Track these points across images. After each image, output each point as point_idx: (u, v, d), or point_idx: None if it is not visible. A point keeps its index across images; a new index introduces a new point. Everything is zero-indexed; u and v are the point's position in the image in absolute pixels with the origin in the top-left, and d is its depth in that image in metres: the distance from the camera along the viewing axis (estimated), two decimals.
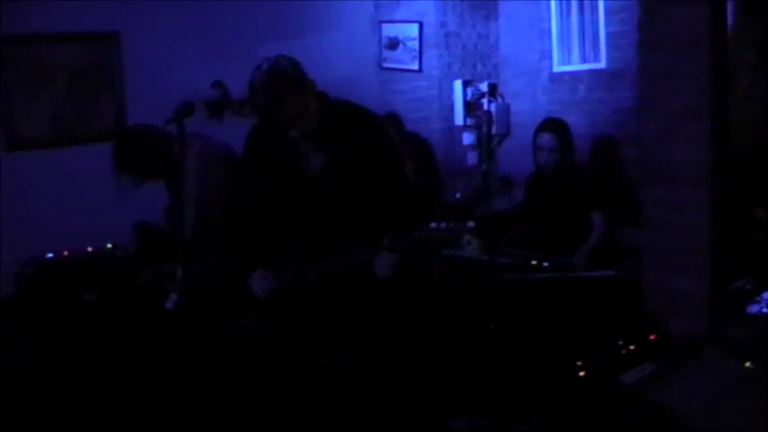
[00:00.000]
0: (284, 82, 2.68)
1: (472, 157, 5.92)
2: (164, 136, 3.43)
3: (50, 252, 4.50)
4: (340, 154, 2.82)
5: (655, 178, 3.58)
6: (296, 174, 2.86)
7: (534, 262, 4.12)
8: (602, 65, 5.31)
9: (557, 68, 5.66)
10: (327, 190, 2.84)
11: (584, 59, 5.48)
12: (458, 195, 5.48)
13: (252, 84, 2.71)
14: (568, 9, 5.54)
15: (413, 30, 5.98)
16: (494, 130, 5.84)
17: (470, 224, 2.61)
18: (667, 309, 3.55)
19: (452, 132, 5.95)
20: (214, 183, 3.43)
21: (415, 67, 6.01)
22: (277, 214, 2.93)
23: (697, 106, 3.38)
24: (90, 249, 4.54)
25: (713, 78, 3.34)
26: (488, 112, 5.71)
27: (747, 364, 3.12)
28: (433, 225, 2.61)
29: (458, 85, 5.84)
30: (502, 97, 5.99)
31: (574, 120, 5.01)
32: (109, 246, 4.59)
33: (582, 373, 3.30)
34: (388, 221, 2.78)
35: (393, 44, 6.12)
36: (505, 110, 5.94)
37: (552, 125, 4.54)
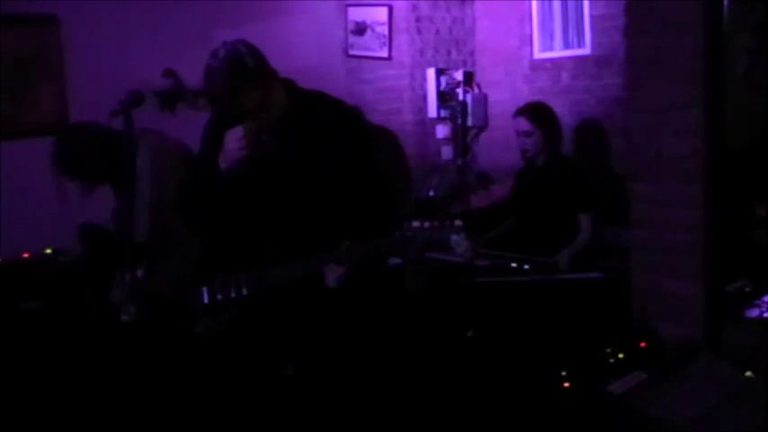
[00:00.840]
0: (243, 72, 2.64)
1: (447, 152, 5.93)
2: (109, 133, 3.37)
3: None
4: (309, 149, 2.79)
5: (643, 173, 3.58)
6: (265, 159, 2.83)
7: (514, 264, 4.11)
8: (586, 51, 5.34)
9: (538, 55, 5.68)
10: (294, 189, 2.82)
11: (567, 45, 5.51)
12: (431, 193, 5.48)
13: (207, 73, 2.67)
14: None
15: (381, 13, 5.97)
16: (470, 122, 5.85)
17: (458, 223, 2.59)
18: (658, 313, 3.55)
19: (425, 125, 5.96)
20: (168, 182, 3.39)
21: (385, 54, 6.00)
22: (239, 209, 2.90)
23: (689, 95, 3.39)
24: (27, 255, 4.46)
25: (706, 64, 3.34)
26: (464, 103, 5.72)
27: (747, 373, 3.13)
28: (416, 224, 2.59)
29: (431, 73, 5.84)
30: (478, 87, 6.00)
31: (557, 110, 5.01)
32: (48, 251, 4.51)
33: (566, 384, 3.30)
34: (358, 223, 2.77)
35: (360, 29, 6.10)
36: (482, 100, 5.94)
37: (528, 109, 4.54)
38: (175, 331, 3.06)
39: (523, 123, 4.47)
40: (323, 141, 2.79)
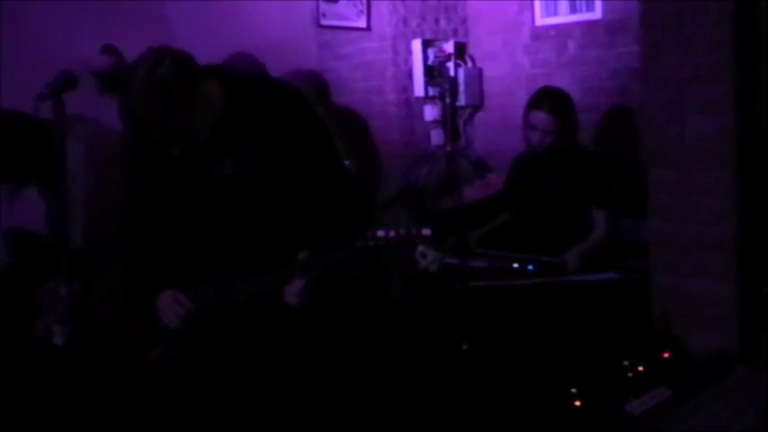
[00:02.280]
0: (167, 95, 2.57)
1: (437, 136, 5.93)
2: (33, 122, 3.29)
3: None
4: (256, 150, 2.77)
5: (663, 156, 3.55)
6: (201, 181, 2.80)
7: (516, 265, 4.08)
8: (596, 15, 5.34)
9: (540, 21, 5.69)
10: (243, 196, 2.79)
11: (574, 9, 5.51)
12: (419, 184, 5.46)
13: (123, 90, 2.62)
14: None
15: None
16: (462, 102, 5.84)
17: (426, 232, 2.59)
18: (684, 319, 3.53)
19: (411, 106, 5.95)
20: (106, 179, 3.35)
21: (363, 24, 5.98)
22: (181, 226, 2.88)
23: (716, 65, 3.36)
24: None
25: (735, 29, 3.31)
26: (455, 79, 5.69)
27: None
28: (381, 233, 2.58)
29: (416, 45, 5.83)
30: (472, 60, 5.99)
31: (563, 85, 4.98)
32: None
33: (578, 403, 3.26)
34: (319, 229, 2.78)
35: None
36: (477, 76, 5.95)
37: (550, 102, 4.42)
38: (121, 358, 3.03)
39: (544, 119, 4.37)
40: (267, 141, 2.76)
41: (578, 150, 4.54)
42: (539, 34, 5.64)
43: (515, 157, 4.78)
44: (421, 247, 2.66)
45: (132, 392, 3.04)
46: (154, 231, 2.94)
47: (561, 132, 4.39)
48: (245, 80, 2.86)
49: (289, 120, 2.80)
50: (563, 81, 5.28)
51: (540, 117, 4.38)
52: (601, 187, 4.40)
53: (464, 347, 3.70)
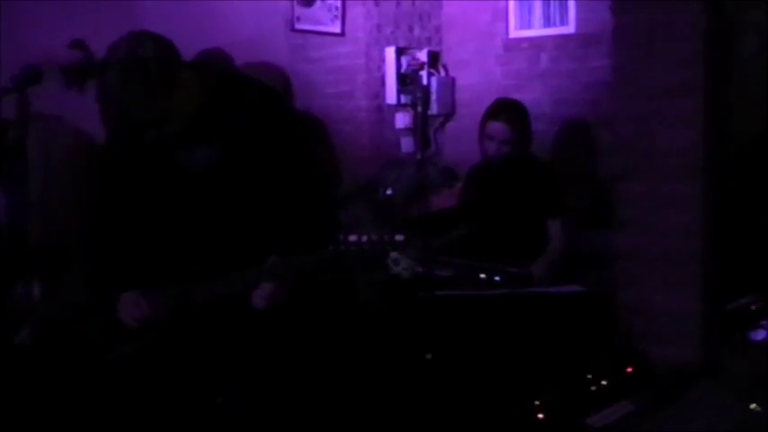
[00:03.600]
0: (145, 79, 2.54)
1: (407, 144, 5.90)
2: None
3: None
4: (230, 147, 2.73)
5: (632, 169, 3.56)
6: (170, 175, 2.76)
7: (483, 275, 4.07)
8: (570, 29, 5.33)
9: (514, 33, 5.67)
10: (214, 191, 2.75)
11: (548, 22, 5.49)
12: (388, 192, 5.44)
13: (101, 75, 2.58)
14: None
15: None
16: (434, 110, 5.83)
17: (398, 237, 2.58)
18: (648, 333, 3.54)
19: (382, 112, 5.91)
20: (65, 179, 3.31)
21: (337, 29, 5.93)
22: (150, 222, 2.84)
23: (686, 79, 3.37)
24: None
25: (707, 44, 3.32)
26: (427, 88, 5.68)
27: (753, 405, 3.09)
28: (353, 238, 2.56)
29: (390, 52, 5.80)
30: (445, 69, 5.98)
31: (534, 97, 5.02)
32: None
33: (541, 416, 3.25)
34: (289, 234, 2.76)
35: None
36: (449, 84, 5.93)
37: (506, 112, 4.48)
38: (81, 359, 2.99)
39: (500, 129, 4.41)
40: (242, 139, 2.73)
41: (530, 161, 4.57)
42: (512, 46, 5.64)
43: (470, 169, 4.80)
44: (394, 254, 2.66)
45: (91, 393, 3.01)
46: (119, 227, 2.90)
47: (517, 143, 4.42)
48: (225, 75, 2.84)
49: (266, 119, 2.78)
50: (535, 93, 5.29)
51: (497, 127, 4.40)
52: (553, 198, 4.43)
53: (428, 357, 3.69)
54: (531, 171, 4.51)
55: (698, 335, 3.42)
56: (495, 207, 4.50)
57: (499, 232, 4.44)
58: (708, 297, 3.42)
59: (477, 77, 5.83)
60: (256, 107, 2.79)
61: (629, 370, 3.45)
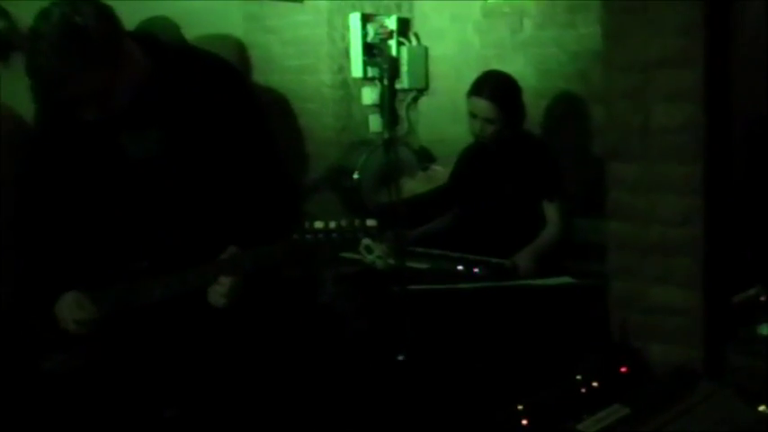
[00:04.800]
0: (84, 47, 2.49)
1: (377, 122, 5.91)
2: None
3: None
4: (181, 128, 2.71)
5: (624, 149, 3.56)
6: (114, 159, 2.74)
7: (461, 267, 4.09)
8: None
9: None
10: (163, 180, 2.74)
11: None
12: (356, 176, 5.45)
13: (31, 43, 2.53)
14: None
15: None
16: (404, 84, 5.82)
17: (371, 223, 2.57)
18: (644, 330, 3.55)
19: (348, 87, 5.94)
20: None
21: None
22: (90, 212, 2.82)
23: (684, 48, 3.37)
24: None
25: (707, 8, 3.32)
26: (396, 59, 5.68)
27: (761, 408, 3.11)
28: (320, 225, 2.56)
29: (354, 20, 5.80)
30: (417, 38, 5.97)
31: (517, 69, 5.02)
32: None
33: (525, 421, 3.24)
34: (249, 222, 2.76)
35: None
36: (421, 55, 5.94)
37: (491, 88, 4.48)
38: (13, 369, 2.96)
39: (483, 107, 4.42)
40: (194, 119, 2.71)
41: (525, 139, 4.58)
42: (491, 11, 5.64)
43: (462, 150, 4.80)
44: (366, 241, 2.66)
45: (25, 409, 3.00)
46: (54, 219, 2.86)
47: (504, 121, 4.43)
48: (172, 48, 2.82)
49: (220, 96, 2.76)
50: (517, 63, 5.31)
51: (479, 104, 4.42)
52: (550, 179, 4.44)
53: (400, 358, 3.69)
54: (525, 150, 4.53)
55: (699, 330, 3.43)
56: (481, 191, 4.52)
57: (489, 220, 4.47)
58: (710, 289, 3.43)
59: (452, 48, 5.85)
60: (209, 83, 2.77)
61: (624, 370, 3.45)
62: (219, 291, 2.71)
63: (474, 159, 4.66)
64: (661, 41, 3.42)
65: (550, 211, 4.40)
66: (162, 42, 2.78)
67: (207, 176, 2.74)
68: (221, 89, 2.77)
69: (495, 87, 4.47)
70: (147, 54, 2.69)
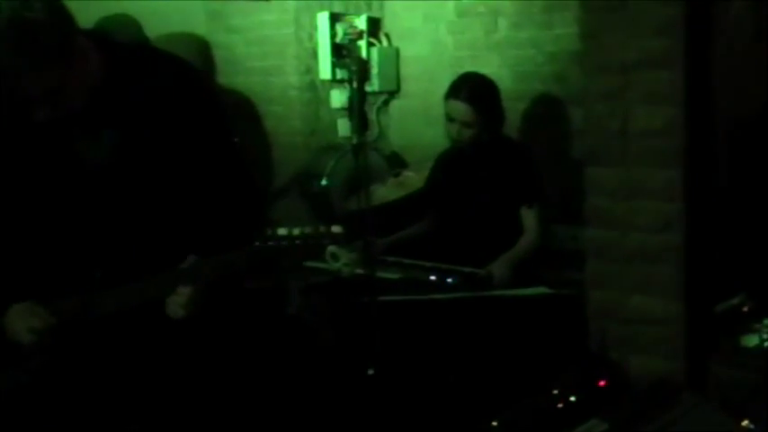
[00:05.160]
0: (35, 44, 2.46)
1: (346, 126, 5.89)
2: None
3: None
4: (139, 131, 2.69)
5: (602, 152, 3.57)
6: (67, 163, 2.72)
7: (434, 277, 4.08)
8: None
9: None
10: (119, 185, 2.72)
11: None
12: (324, 182, 5.44)
13: None
14: None
15: None
16: (375, 87, 5.82)
17: (336, 229, 2.56)
18: (624, 341, 3.55)
19: (316, 90, 5.92)
20: None
21: None
22: (40, 219, 2.78)
23: (664, 49, 3.38)
24: None
25: (687, 7, 3.33)
26: (365, 61, 5.69)
27: (744, 422, 3.13)
28: (283, 232, 2.55)
29: (323, 19, 5.80)
30: (388, 38, 5.97)
31: (492, 70, 5.03)
32: None
33: None
34: (210, 229, 2.73)
35: None
36: (392, 57, 5.93)
37: (469, 90, 4.47)
38: None
39: (461, 109, 4.42)
40: (151, 122, 2.69)
41: (504, 143, 4.58)
42: (465, 11, 5.65)
43: (439, 155, 4.79)
44: (332, 248, 2.65)
45: None
46: (1, 226, 2.84)
47: (482, 124, 4.43)
48: (128, 47, 2.79)
49: (178, 98, 2.74)
50: (492, 65, 5.32)
51: (457, 107, 4.42)
52: (530, 184, 4.44)
53: (370, 372, 3.68)
54: (505, 155, 4.52)
55: (681, 341, 3.44)
56: (459, 198, 4.52)
57: (464, 227, 4.47)
58: (691, 298, 3.44)
59: (425, 48, 5.85)
60: (167, 85, 2.74)
61: (603, 383, 3.46)
62: (178, 302, 2.68)
63: (451, 165, 4.66)
64: (640, 41, 3.43)
65: (529, 218, 4.39)
66: (117, 42, 2.75)
67: (165, 182, 2.72)
68: (180, 91, 2.74)
69: (473, 90, 4.47)
70: (102, 53, 2.66)
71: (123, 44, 2.76)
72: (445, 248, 4.41)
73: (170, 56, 2.84)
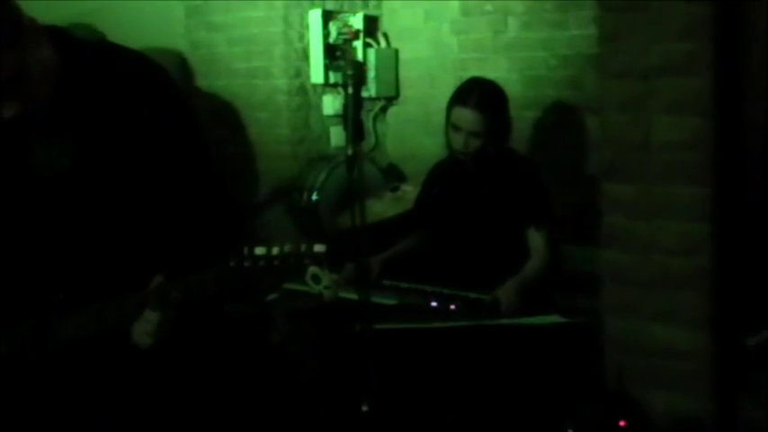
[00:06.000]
0: None
1: (339, 135, 5.90)
2: None
3: None
4: (100, 137, 2.68)
5: (622, 167, 3.58)
6: (22, 172, 2.70)
7: (435, 303, 4.08)
8: None
9: None
10: (80, 197, 2.70)
11: None
12: (314, 197, 5.44)
13: None
14: None
15: None
16: (371, 92, 5.83)
17: (318, 248, 2.55)
18: (645, 376, 3.55)
19: (307, 95, 5.92)
20: None
21: None
22: None
23: (690, 53, 3.39)
24: None
25: (715, 6, 3.35)
26: (361, 63, 5.68)
27: None
28: (260, 251, 2.53)
29: (314, 17, 5.81)
30: (386, 39, 5.98)
31: (500, 75, 5.03)
32: None
33: None
34: (181, 247, 2.71)
35: None
36: (391, 59, 5.93)
37: (478, 96, 4.46)
38: None
39: (469, 118, 4.40)
40: (115, 127, 2.67)
41: (510, 157, 4.57)
42: (471, 8, 5.66)
43: (433, 166, 4.79)
44: (313, 269, 2.63)
45: None
46: None
47: (490, 135, 4.41)
48: (89, 45, 2.77)
49: (145, 100, 2.72)
50: (500, 68, 5.32)
51: (465, 115, 4.39)
52: (538, 203, 4.43)
53: (364, 409, 3.67)
54: (511, 170, 4.51)
55: (708, 377, 3.44)
56: (462, 215, 4.51)
57: (465, 248, 4.46)
58: (720, 329, 3.45)
59: (427, 50, 5.85)
60: (131, 87, 2.71)
61: (622, 423, 3.45)
62: (144, 329, 2.66)
63: (448, 178, 4.65)
64: (664, 44, 3.44)
65: (536, 239, 4.38)
66: (77, 38, 2.72)
67: (129, 195, 2.69)
68: (146, 94, 2.72)
69: (483, 96, 4.45)
70: (60, 51, 2.64)
71: (83, 41, 2.74)
72: (444, 271, 4.39)
73: (135, 54, 2.81)
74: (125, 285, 2.65)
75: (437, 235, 4.61)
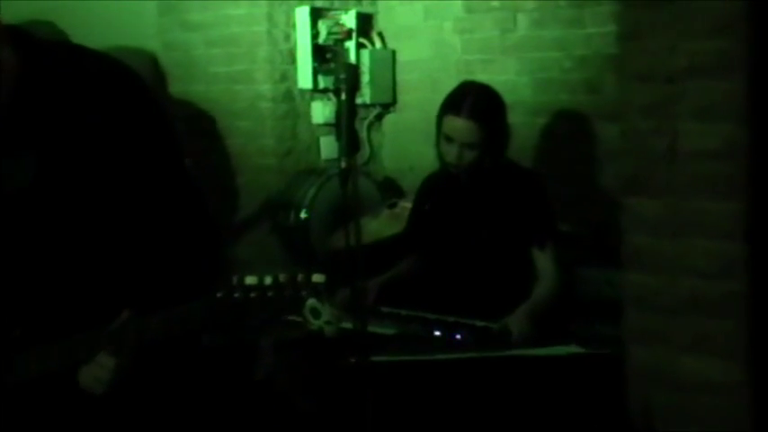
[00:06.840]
0: None
1: (330, 146, 5.91)
2: None
3: None
4: (64, 151, 2.66)
5: (646, 180, 3.57)
6: None
7: (438, 332, 4.08)
8: None
9: None
10: (41, 218, 2.68)
11: None
12: (303, 214, 5.44)
13: None
14: None
15: None
16: (365, 98, 5.84)
17: (317, 278, 2.55)
18: (674, 413, 3.53)
19: (294, 101, 5.93)
20: None
21: None
22: None
23: (721, 53, 3.38)
24: None
25: (750, 0, 3.34)
26: (355, 66, 5.69)
27: None
28: (251, 282, 2.52)
29: (302, 15, 5.83)
30: (381, 39, 5.99)
31: (508, 78, 5.04)
32: None
33: None
34: (154, 278, 2.70)
35: None
36: (387, 61, 5.94)
37: (473, 104, 4.48)
38: None
39: (463, 128, 4.42)
40: (80, 140, 2.66)
41: (509, 170, 4.59)
42: (476, 5, 5.68)
43: (425, 180, 4.81)
44: (312, 301, 2.61)
45: None
46: None
47: (486, 146, 4.43)
48: (49, 44, 2.76)
49: (114, 108, 2.70)
50: (508, 71, 5.34)
51: (457, 125, 4.42)
52: (539, 219, 4.46)
53: None
54: (510, 184, 4.53)
55: (744, 412, 3.42)
56: (458, 235, 4.51)
57: (460, 270, 4.46)
58: (757, 359, 3.44)
59: (427, 51, 5.86)
60: (99, 93, 2.69)
61: None
62: (96, 373, 2.63)
63: (441, 193, 4.67)
64: (692, 44, 3.43)
65: (542, 260, 4.40)
66: (36, 38, 2.71)
67: (97, 215, 2.67)
68: (115, 101, 2.70)
69: (478, 103, 4.47)
70: (17, 50, 2.63)
71: (44, 41, 2.72)
72: (442, 297, 4.39)
73: (103, 56, 2.79)
74: (89, 321, 2.63)
75: (431, 256, 4.61)
